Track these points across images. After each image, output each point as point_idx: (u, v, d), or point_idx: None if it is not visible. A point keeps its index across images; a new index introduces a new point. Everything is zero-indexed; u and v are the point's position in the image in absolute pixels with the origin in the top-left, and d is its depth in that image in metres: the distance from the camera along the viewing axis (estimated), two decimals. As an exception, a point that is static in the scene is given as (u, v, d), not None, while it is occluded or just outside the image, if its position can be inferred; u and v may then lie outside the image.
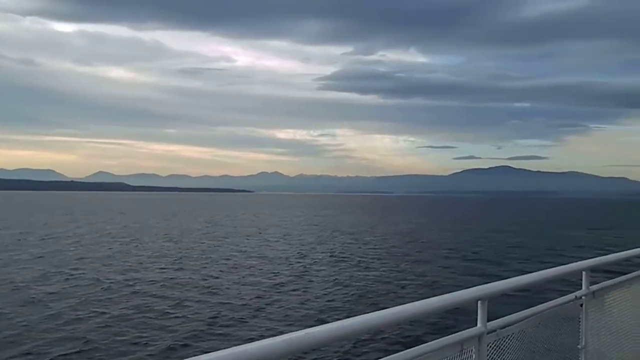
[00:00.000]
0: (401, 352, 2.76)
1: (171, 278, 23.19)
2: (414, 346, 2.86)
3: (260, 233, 48.81)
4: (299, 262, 28.72)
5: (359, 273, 25.31)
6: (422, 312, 2.91)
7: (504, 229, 58.25)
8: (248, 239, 41.98)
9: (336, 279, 23.55)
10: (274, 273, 24.90)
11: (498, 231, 54.33)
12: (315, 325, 2.32)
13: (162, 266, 26.75)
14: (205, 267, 26.45)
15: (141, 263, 27.68)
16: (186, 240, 40.72)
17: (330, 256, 31.56)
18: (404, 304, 2.89)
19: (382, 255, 32.51)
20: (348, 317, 2.55)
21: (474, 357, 3.19)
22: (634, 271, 5.77)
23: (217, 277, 23.54)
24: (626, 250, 5.84)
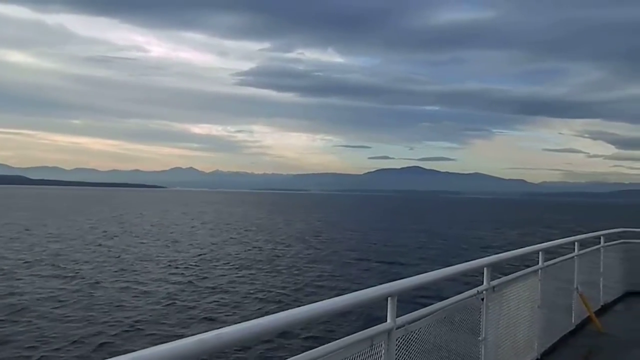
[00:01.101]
0: (312, 350, 2.79)
1: (38, 288, 19.57)
2: (325, 344, 2.90)
3: (162, 232, 45.33)
4: (197, 265, 26.38)
5: (268, 273, 24.75)
6: (334, 310, 2.96)
7: (414, 228, 60.54)
8: (147, 239, 38.31)
9: (243, 279, 22.72)
10: (164, 280, 22.01)
11: (408, 230, 56.35)
12: (226, 326, 2.28)
13: (31, 272, 22.74)
14: (84, 273, 22.78)
15: (1, 270, 23.18)
16: (74, 240, 35.83)
17: (237, 256, 30.35)
18: (316, 302, 2.93)
19: (294, 254, 32.30)
20: (258, 317, 2.54)
21: (383, 352, 3.30)
22: (530, 267, 6.26)
23: (95, 285, 20.27)
24: (523, 247, 6.32)
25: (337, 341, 2.97)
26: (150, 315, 16.07)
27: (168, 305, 17.61)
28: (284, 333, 13.08)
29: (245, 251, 33.02)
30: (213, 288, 20.65)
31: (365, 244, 39.76)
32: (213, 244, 37.13)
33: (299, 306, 2.82)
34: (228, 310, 17.25)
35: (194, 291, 19.94)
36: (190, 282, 21.88)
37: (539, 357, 6.27)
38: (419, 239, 45.40)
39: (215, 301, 18.44)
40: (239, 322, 2.38)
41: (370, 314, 12.37)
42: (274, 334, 2.62)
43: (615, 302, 9.81)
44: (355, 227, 58.71)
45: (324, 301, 2.95)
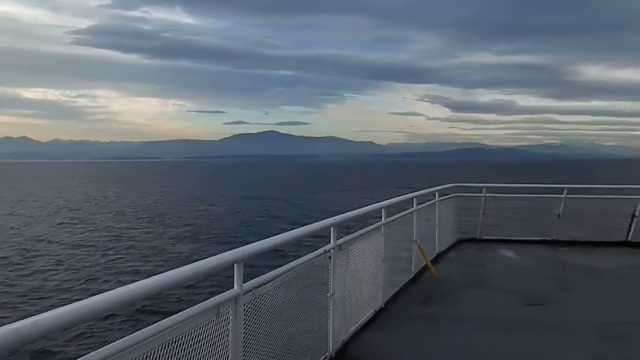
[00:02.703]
0: (154, 324, 2.65)
1: None
2: (169, 316, 2.78)
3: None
4: (10, 253, 23.13)
5: (104, 254, 22.77)
6: (177, 281, 2.82)
7: (267, 194, 60.78)
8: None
9: (70, 263, 20.68)
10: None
11: (261, 197, 56.35)
12: (45, 312, 2.03)
13: None
14: None
15: None
16: None
17: (67, 238, 27.32)
18: (156, 274, 2.77)
19: (133, 229, 30.56)
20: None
21: (230, 318, 3.26)
22: (373, 224, 6.65)
23: None
24: (367, 206, 6.67)
25: (181, 312, 2.85)
26: None
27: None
28: (124, 310, 12.45)
29: (76, 233, 29.61)
30: (25, 280, 17.97)
31: (215, 212, 39.01)
32: (36, 224, 33.21)
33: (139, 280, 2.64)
34: (48, 294, 15.63)
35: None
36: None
37: (383, 306, 6.76)
38: (272, 204, 45.61)
39: (30, 293, 16.23)
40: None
41: (219, 282, 12.23)
42: (102, 314, 2.41)
43: (448, 249, 10.93)
44: (206, 196, 57.53)
45: (164, 273, 2.80)
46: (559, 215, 11.68)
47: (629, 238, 11.54)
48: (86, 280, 17.71)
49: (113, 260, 21.27)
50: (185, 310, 2.90)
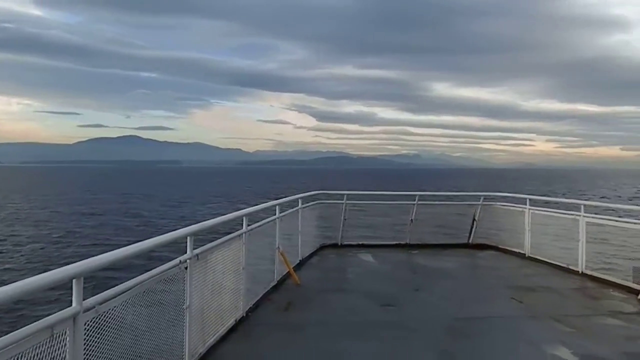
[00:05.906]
0: None
1: None
2: None
3: None
4: None
5: None
6: (6, 298, 2.50)
7: (114, 205, 56.27)
8: None
9: None
10: None
11: (108, 208, 52.26)
12: None
13: None
14: None
15: None
16: None
17: None
18: None
19: None
20: None
21: (68, 339, 2.96)
22: (234, 232, 6.54)
23: None
24: (228, 214, 6.55)
25: (8, 335, 2.53)
26: None
27: None
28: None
29: None
30: None
31: (55, 222, 35.33)
32: None
33: None
34: None
35: None
36: None
37: (244, 315, 6.67)
38: (120, 215, 41.99)
39: None
40: None
41: (58, 300, 11.06)
42: None
43: (311, 256, 11.15)
44: (46, 203, 52.41)
45: None
46: (411, 221, 12.57)
47: (470, 241, 12.80)
48: None
49: None
50: (13, 333, 2.57)
